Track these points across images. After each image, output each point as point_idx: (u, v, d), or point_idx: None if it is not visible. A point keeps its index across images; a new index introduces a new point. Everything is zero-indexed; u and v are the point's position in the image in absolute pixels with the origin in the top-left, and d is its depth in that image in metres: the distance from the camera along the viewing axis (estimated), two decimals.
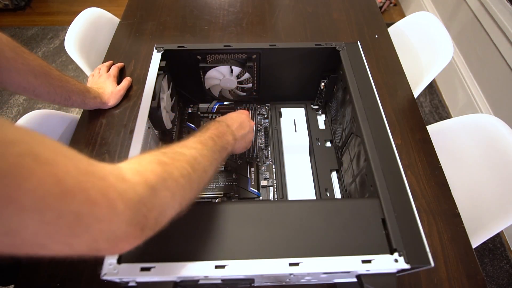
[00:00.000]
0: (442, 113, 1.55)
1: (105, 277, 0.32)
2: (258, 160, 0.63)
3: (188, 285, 0.37)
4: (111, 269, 0.32)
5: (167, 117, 0.56)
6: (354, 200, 0.43)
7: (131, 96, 0.74)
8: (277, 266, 0.33)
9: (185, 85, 0.65)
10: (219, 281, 0.37)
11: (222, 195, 0.58)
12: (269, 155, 0.64)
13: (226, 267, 0.32)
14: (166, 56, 0.55)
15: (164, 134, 0.59)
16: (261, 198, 0.58)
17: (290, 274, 0.34)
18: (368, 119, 0.46)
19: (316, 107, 0.70)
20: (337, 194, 0.59)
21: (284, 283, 0.46)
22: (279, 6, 0.99)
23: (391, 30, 0.96)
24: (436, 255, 0.53)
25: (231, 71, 0.60)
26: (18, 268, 0.51)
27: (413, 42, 0.93)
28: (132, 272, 0.32)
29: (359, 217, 0.37)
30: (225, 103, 0.69)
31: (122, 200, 0.21)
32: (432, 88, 1.65)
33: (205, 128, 0.41)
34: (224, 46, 0.56)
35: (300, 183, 0.60)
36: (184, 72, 0.61)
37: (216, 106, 0.68)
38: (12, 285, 0.50)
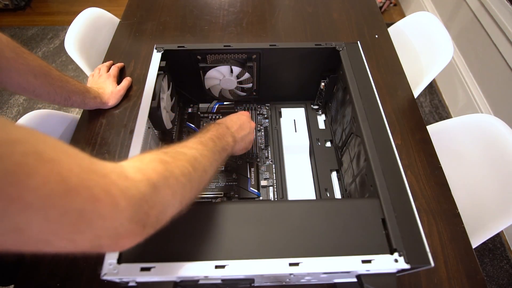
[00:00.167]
0: (442, 113, 1.55)
1: (105, 277, 0.32)
2: (258, 160, 0.63)
3: (188, 285, 0.37)
4: (111, 269, 0.32)
5: (167, 117, 0.56)
6: (354, 200, 0.43)
7: (131, 96, 0.74)
8: (277, 266, 0.33)
9: (185, 85, 0.65)
10: (219, 281, 0.37)
11: (222, 195, 0.58)
12: (269, 155, 0.64)
13: (226, 267, 0.32)
14: (166, 56, 0.55)
15: (164, 134, 0.59)
16: (261, 198, 0.58)
17: (290, 274, 0.34)
18: (368, 119, 0.46)
19: (316, 107, 0.70)
20: (337, 194, 0.59)
21: (284, 283, 0.46)
22: (279, 6, 1.00)
23: (391, 30, 0.96)
24: (436, 255, 0.53)
25: (231, 71, 0.60)
26: (18, 268, 0.51)
27: (413, 42, 0.93)
28: (132, 272, 0.32)
29: (359, 217, 0.37)
30: (225, 103, 0.69)
31: (124, 197, 0.22)
32: (432, 88, 1.65)
33: (205, 129, 0.41)
34: (224, 46, 0.56)
35: (300, 183, 0.60)
36: (184, 72, 0.61)
37: (216, 106, 0.68)
38: (12, 286, 0.50)
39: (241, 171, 0.60)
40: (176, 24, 0.93)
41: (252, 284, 0.39)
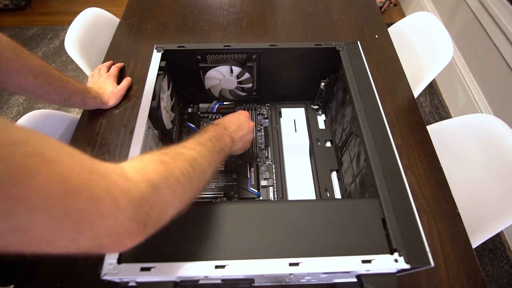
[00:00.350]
0: (442, 113, 1.55)
1: (105, 277, 0.32)
2: (258, 160, 0.63)
3: (188, 285, 0.37)
4: (111, 269, 0.32)
5: (167, 117, 0.56)
6: (354, 200, 0.43)
7: (131, 96, 0.74)
8: (277, 266, 0.33)
9: (185, 85, 0.65)
10: (219, 281, 0.37)
11: (222, 195, 0.58)
12: (269, 155, 0.64)
13: (226, 267, 0.32)
14: (166, 56, 0.55)
15: (164, 134, 0.59)
16: (261, 198, 0.58)
17: (290, 274, 0.34)
18: (368, 119, 0.46)
19: (316, 107, 0.70)
20: (337, 194, 0.59)
21: (284, 283, 0.46)
22: (279, 6, 1.00)
23: (391, 30, 0.96)
24: (436, 255, 0.53)
25: (231, 71, 0.60)
26: (19, 268, 0.51)
27: (413, 42, 0.93)
28: (132, 272, 0.32)
29: (359, 217, 0.37)
30: (225, 103, 0.69)
31: (125, 197, 0.22)
32: (432, 88, 1.65)
33: (203, 130, 0.42)
34: (224, 46, 0.56)
35: (300, 183, 0.60)
36: (184, 72, 0.61)
37: (216, 106, 0.68)
38: (13, 285, 0.50)
39: (241, 171, 0.60)
40: (176, 24, 0.93)
41: (252, 284, 0.39)
